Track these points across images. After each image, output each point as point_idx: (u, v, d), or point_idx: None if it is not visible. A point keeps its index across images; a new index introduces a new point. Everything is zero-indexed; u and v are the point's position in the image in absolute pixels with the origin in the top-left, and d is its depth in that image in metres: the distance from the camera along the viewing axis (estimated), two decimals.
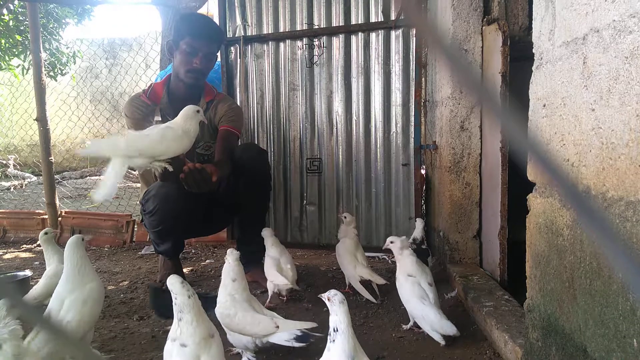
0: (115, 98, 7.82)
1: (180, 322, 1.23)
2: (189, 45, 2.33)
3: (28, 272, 2.40)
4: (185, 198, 2.24)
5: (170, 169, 1.85)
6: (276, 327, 1.52)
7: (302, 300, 2.19)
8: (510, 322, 1.60)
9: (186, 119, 1.90)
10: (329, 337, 1.14)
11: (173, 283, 1.27)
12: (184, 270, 2.59)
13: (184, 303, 1.23)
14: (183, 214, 2.26)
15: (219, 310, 1.55)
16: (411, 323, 1.79)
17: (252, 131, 3.16)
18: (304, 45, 3.00)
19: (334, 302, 1.14)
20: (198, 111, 1.92)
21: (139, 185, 3.00)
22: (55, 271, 1.98)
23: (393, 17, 2.80)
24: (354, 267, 2.15)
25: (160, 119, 2.39)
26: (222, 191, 2.45)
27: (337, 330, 1.12)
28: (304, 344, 1.50)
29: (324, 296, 1.19)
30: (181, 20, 2.46)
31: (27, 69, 5.26)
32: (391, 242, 1.86)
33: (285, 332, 1.51)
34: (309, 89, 3.02)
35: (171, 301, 1.26)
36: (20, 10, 5.04)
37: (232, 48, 3.13)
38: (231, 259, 1.61)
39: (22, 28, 5.13)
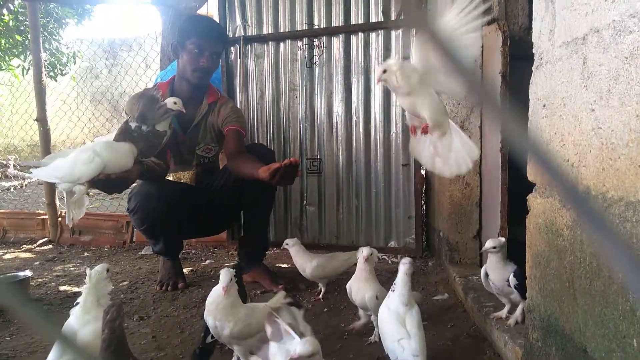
0: (115, 98, 7.80)
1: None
2: (195, 44, 2.36)
3: (28, 273, 2.41)
4: (167, 197, 2.23)
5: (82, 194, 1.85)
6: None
7: (302, 301, 2.19)
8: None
9: (126, 154, 1.83)
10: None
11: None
12: (184, 270, 2.59)
13: None
14: (165, 213, 2.25)
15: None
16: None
17: (252, 131, 3.16)
18: (304, 46, 3.00)
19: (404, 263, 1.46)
20: (142, 162, 1.88)
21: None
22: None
23: (393, 17, 2.79)
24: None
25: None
26: (227, 191, 2.45)
27: (396, 284, 1.43)
28: (299, 308, 1.45)
29: (405, 261, 1.45)
30: (187, 21, 2.51)
31: (27, 69, 5.26)
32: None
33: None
34: (309, 89, 3.01)
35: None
36: (20, 10, 5.04)
37: (232, 48, 3.12)
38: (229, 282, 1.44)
39: (22, 28, 5.14)
